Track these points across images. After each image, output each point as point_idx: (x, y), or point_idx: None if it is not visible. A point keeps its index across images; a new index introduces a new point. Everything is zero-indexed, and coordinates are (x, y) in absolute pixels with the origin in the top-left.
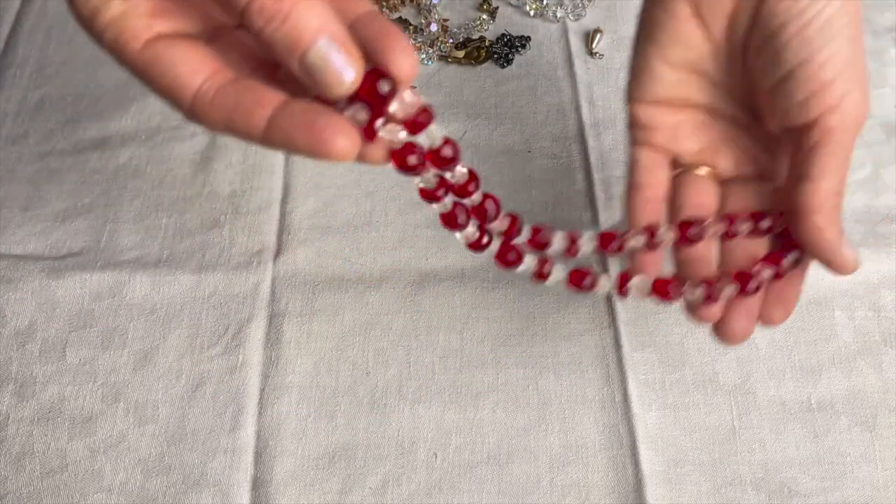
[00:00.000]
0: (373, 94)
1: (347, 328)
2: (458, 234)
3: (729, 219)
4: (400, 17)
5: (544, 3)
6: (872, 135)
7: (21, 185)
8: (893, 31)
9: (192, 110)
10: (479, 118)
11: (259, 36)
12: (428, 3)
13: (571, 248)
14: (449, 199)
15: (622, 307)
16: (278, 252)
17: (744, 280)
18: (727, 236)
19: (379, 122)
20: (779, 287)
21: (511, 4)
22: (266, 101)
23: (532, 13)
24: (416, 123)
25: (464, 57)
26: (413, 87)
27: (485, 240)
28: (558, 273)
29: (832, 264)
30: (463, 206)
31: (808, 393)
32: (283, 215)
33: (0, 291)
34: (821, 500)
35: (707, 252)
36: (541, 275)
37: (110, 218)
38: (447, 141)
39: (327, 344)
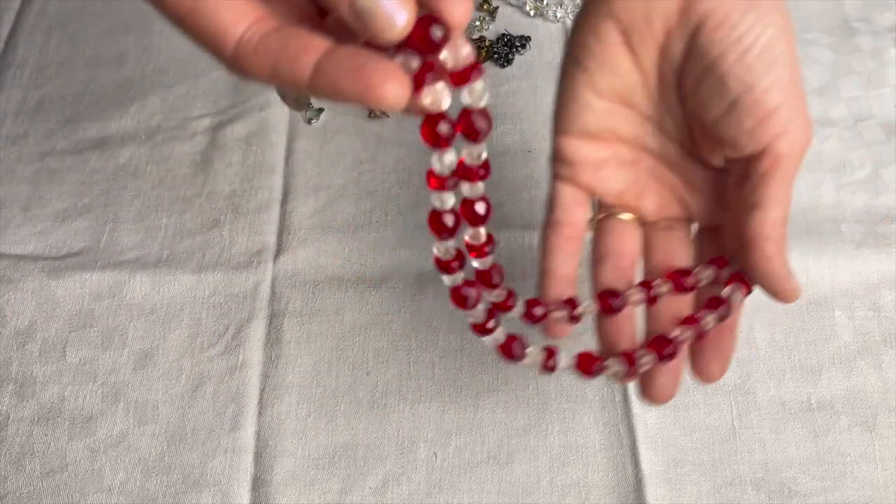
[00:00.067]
0: (424, 40)
1: (347, 328)
2: (467, 316)
3: (647, 285)
4: None
5: (544, 2)
6: (872, 135)
7: (21, 185)
8: (893, 31)
9: (235, 59)
10: None
11: None
12: None
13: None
14: (458, 276)
15: None
16: (278, 252)
17: (660, 348)
18: (649, 302)
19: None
20: (714, 343)
21: (511, 4)
22: (312, 47)
23: (532, 13)
24: (462, 75)
25: None
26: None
27: (490, 324)
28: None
29: (779, 294)
30: (471, 283)
31: (808, 393)
32: (283, 215)
33: (0, 291)
34: (821, 500)
35: (627, 324)
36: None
37: (110, 218)
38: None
39: (327, 344)
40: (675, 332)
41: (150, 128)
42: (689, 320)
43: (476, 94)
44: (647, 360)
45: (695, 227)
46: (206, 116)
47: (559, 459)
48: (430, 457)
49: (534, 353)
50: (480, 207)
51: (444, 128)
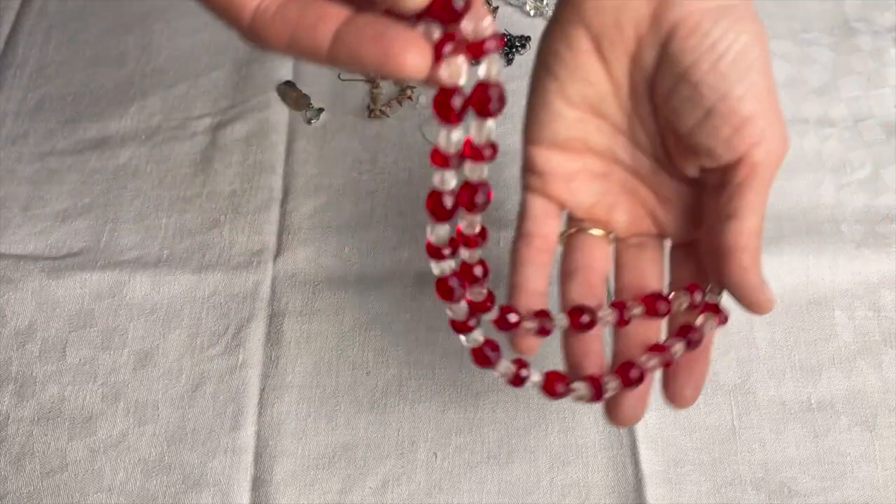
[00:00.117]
0: (446, 8)
1: (347, 328)
2: (448, 310)
3: (621, 307)
4: None
5: (544, 2)
6: (872, 135)
7: (21, 185)
8: (893, 31)
9: (252, 28)
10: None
11: None
12: None
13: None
14: (447, 264)
15: None
16: (278, 252)
17: (626, 374)
18: (621, 323)
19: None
20: (687, 367)
21: (511, 4)
22: (331, 15)
23: (532, 13)
24: (481, 46)
25: None
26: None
27: (471, 322)
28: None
29: (753, 305)
30: (457, 276)
31: (808, 393)
32: (283, 215)
33: (0, 291)
34: (821, 500)
35: (596, 344)
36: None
37: (110, 218)
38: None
39: (327, 344)
40: (643, 359)
41: (150, 128)
42: (657, 348)
43: (493, 67)
44: (612, 386)
45: (668, 244)
46: (206, 116)
47: (559, 459)
48: (430, 457)
49: (505, 364)
50: (481, 195)
51: (457, 102)
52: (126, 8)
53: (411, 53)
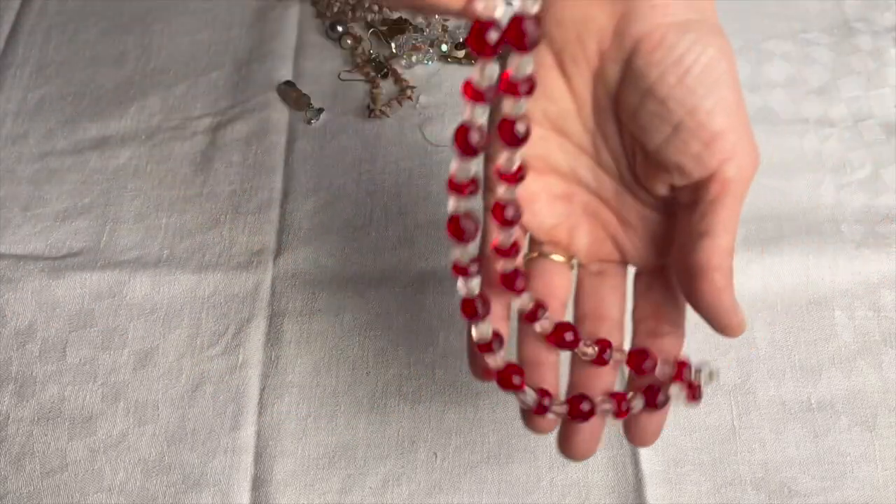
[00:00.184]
0: None
1: (347, 328)
2: (473, 329)
3: (605, 345)
4: (400, 17)
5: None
6: (872, 135)
7: (21, 185)
8: (893, 31)
9: None
10: None
11: None
12: None
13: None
14: (475, 282)
15: None
16: (278, 252)
17: (575, 406)
18: (596, 361)
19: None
20: (646, 415)
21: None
22: None
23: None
24: None
25: (464, 57)
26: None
27: (494, 345)
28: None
29: (725, 329)
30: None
31: (808, 393)
32: (283, 215)
33: (0, 291)
34: (821, 500)
35: (550, 374)
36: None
37: (110, 218)
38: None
39: (327, 344)
40: (598, 399)
41: (150, 128)
42: (617, 396)
43: (528, 1)
44: (560, 410)
45: (632, 271)
46: (206, 116)
47: (559, 459)
48: (430, 457)
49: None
50: (521, 126)
51: (493, 35)
52: (126, 8)
53: None
